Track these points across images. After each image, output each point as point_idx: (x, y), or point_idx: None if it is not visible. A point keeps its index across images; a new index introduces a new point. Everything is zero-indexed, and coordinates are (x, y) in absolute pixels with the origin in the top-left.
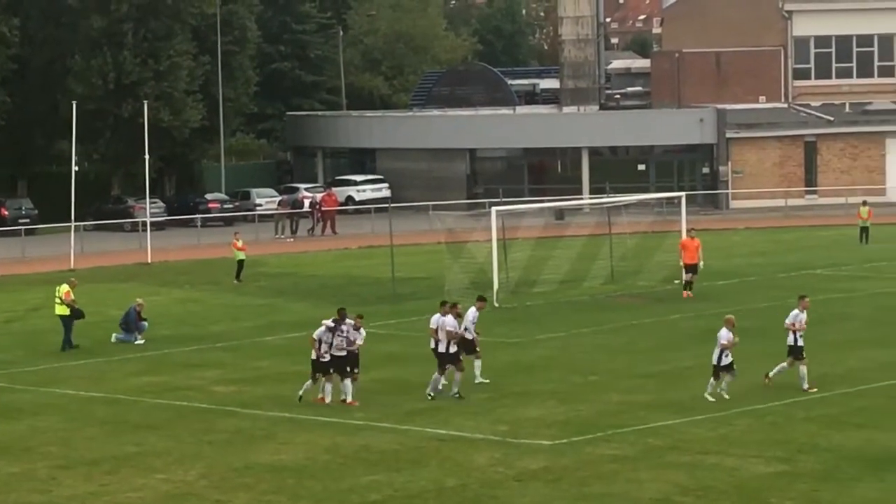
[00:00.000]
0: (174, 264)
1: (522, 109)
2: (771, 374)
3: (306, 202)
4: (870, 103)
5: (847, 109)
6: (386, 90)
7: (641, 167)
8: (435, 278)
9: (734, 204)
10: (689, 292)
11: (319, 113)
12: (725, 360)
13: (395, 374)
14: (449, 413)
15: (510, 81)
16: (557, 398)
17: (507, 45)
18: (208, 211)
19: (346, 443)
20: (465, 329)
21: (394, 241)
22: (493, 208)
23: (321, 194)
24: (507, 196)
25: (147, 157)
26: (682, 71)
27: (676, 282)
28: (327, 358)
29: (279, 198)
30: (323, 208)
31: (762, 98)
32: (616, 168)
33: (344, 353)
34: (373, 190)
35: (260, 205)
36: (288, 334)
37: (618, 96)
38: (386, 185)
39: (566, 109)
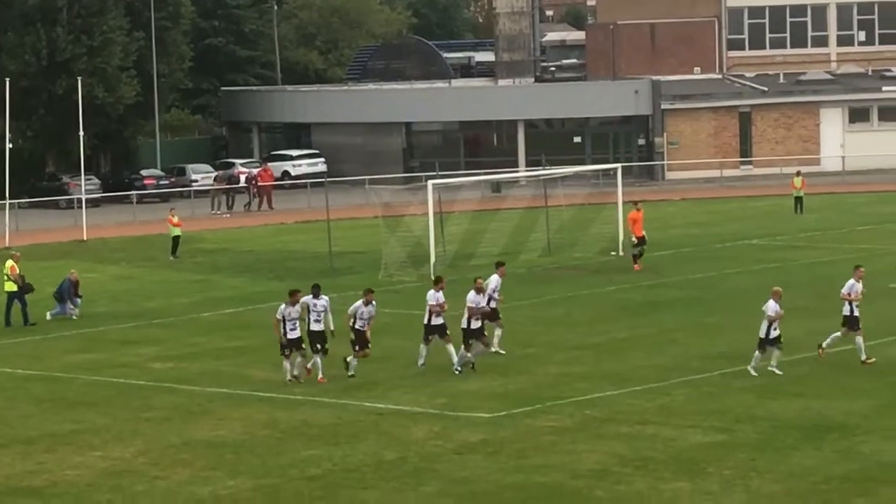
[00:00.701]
0: (110, 241)
1: (458, 83)
2: (824, 344)
3: (242, 177)
4: (804, 73)
5: (781, 80)
6: (321, 65)
7: (577, 139)
8: (372, 252)
9: (670, 175)
10: (639, 264)
11: (254, 88)
12: (773, 334)
13: (332, 349)
14: (387, 387)
15: (445, 55)
16: (496, 371)
17: (442, 18)
18: (144, 187)
19: (285, 418)
20: (490, 298)
21: (330, 215)
22: (430, 182)
23: (257, 169)
24: (443, 169)
25: (82, 133)
26: (616, 43)
27: (613, 253)
28: (295, 335)
29: (215, 173)
30: (259, 183)
31: (697, 69)
32: (552, 140)
33: (320, 327)
34: (309, 165)
35: (196, 180)
36: (225, 310)
37: (553, 69)
38: (322, 159)
39: (501, 82)
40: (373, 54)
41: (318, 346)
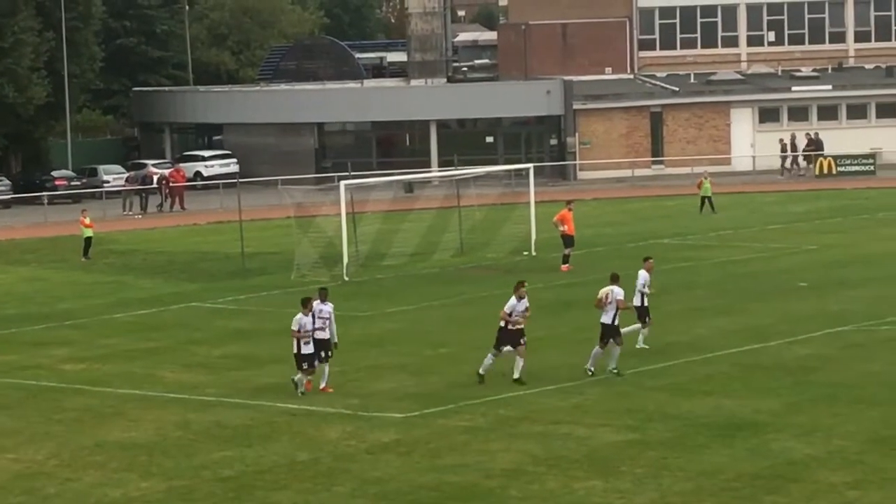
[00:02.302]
0: (21, 242)
1: (370, 83)
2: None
3: (154, 178)
4: (714, 73)
5: (692, 80)
6: (233, 65)
7: (489, 139)
8: (284, 253)
9: (582, 175)
10: (569, 265)
11: (166, 89)
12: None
13: (245, 350)
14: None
15: (357, 55)
16: (408, 371)
17: (355, 18)
18: (55, 188)
19: (198, 419)
20: (640, 294)
21: (242, 216)
22: (342, 182)
23: (169, 170)
24: (355, 169)
25: None
26: (528, 43)
27: (525, 253)
28: (309, 350)
29: (127, 174)
30: (171, 184)
31: (608, 69)
32: (464, 140)
33: (325, 335)
34: (221, 165)
35: (107, 181)
36: (137, 311)
37: (465, 69)
38: (234, 160)
39: (414, 82)
40: (285, 55)
41: (323, 353)
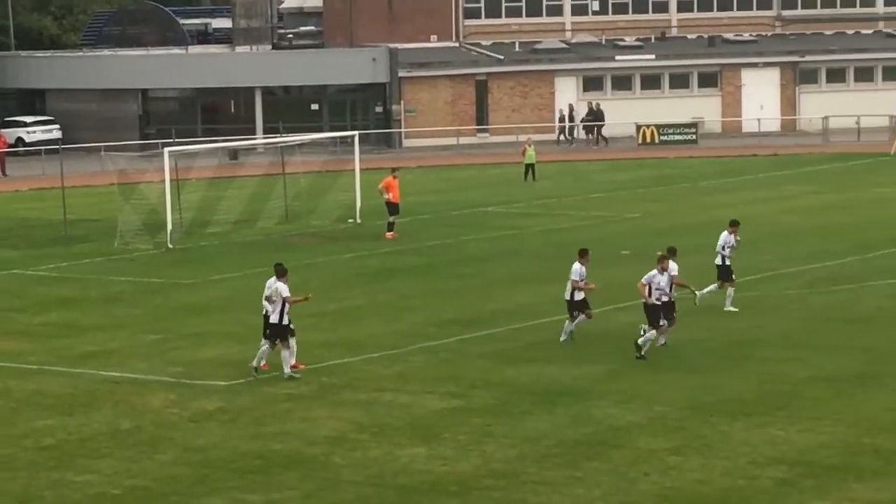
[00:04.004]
0: None
1: (195, 49)
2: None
3: None
4: (539, 42)
5: (517, 48)
6: (55, 30)
7: (315, 107)
8: (107, 220)
9: (407, 143)
10: (393, 233)
11: None
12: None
13: (67, 318)
14: (122, 355)
15: (182, 21)
16: (233, 339)
17: None
18: None
19: (18, 387)
20: (718, 254)
21: (65, 182)
22: (166, 149)
23: None
24: (179, 136)
25: None
26: (354, 10)
27: (350, 221)
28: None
29: None
30: None
31: (434, 37)
32: (289, 108)
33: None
34: (43, 131)
35: None
36: None
37: (290, 36)
38: (57, 126)
39: (239, 49)
40: (108, 20)
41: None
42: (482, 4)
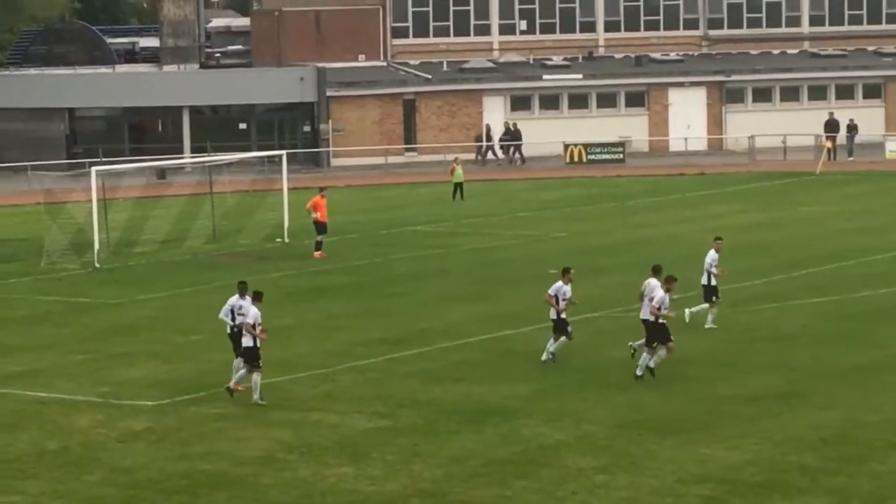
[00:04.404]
0: None
1: (122, 68)
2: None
3: None
4: (467, 62)
5: (445, 68)
6: None
7: (243, 126)
8: (34, 239)
9: (335, 162)
10: (321, 252)
11: None
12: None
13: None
14: (49, 375)
15: (109, 40)
16: (160, 358)
17: (106, 3)
18: None
19: None
20: (705, 272)
21: None
22: (93, 168)
23: None
24: (107, 156)
25: None
26: (281, 30)
27: (278, 240)
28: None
29: None
30: None
31: (362, 56)
32: (217, 127)
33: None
34: None
35: None
36: None
37: (218, 55)
38: None
39: (166, 68)
40: (34, 39)
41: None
42: (410, 24)
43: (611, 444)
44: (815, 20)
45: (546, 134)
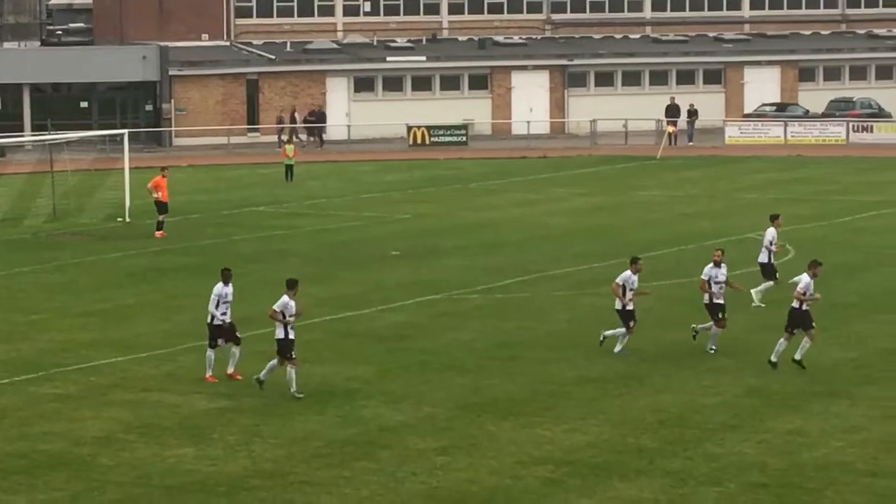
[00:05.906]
0: None
1: None
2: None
3: None
4: (310, 42)
5: (289, 48)
6: None
7: (84, 104)
8: None
9: (178, 142)
10: (163, 232)
11: None
12: None
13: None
14: None
15: None
16: None
17: None
18: None
19: None
20: (765, 250)
21: None
22: None
23: None
24: None
25: None
26: (123, 7)
27: (119, 220)
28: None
29: None
30: None
31: (205, 36)
32: (58, 105)
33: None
34: None
35: None
36: None
37: (59, 32)
38: None
39: (6, 45)
40: None
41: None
42: (254, 4)
43: (451, 426)
44: (658, 5)
45: (389, 116)
